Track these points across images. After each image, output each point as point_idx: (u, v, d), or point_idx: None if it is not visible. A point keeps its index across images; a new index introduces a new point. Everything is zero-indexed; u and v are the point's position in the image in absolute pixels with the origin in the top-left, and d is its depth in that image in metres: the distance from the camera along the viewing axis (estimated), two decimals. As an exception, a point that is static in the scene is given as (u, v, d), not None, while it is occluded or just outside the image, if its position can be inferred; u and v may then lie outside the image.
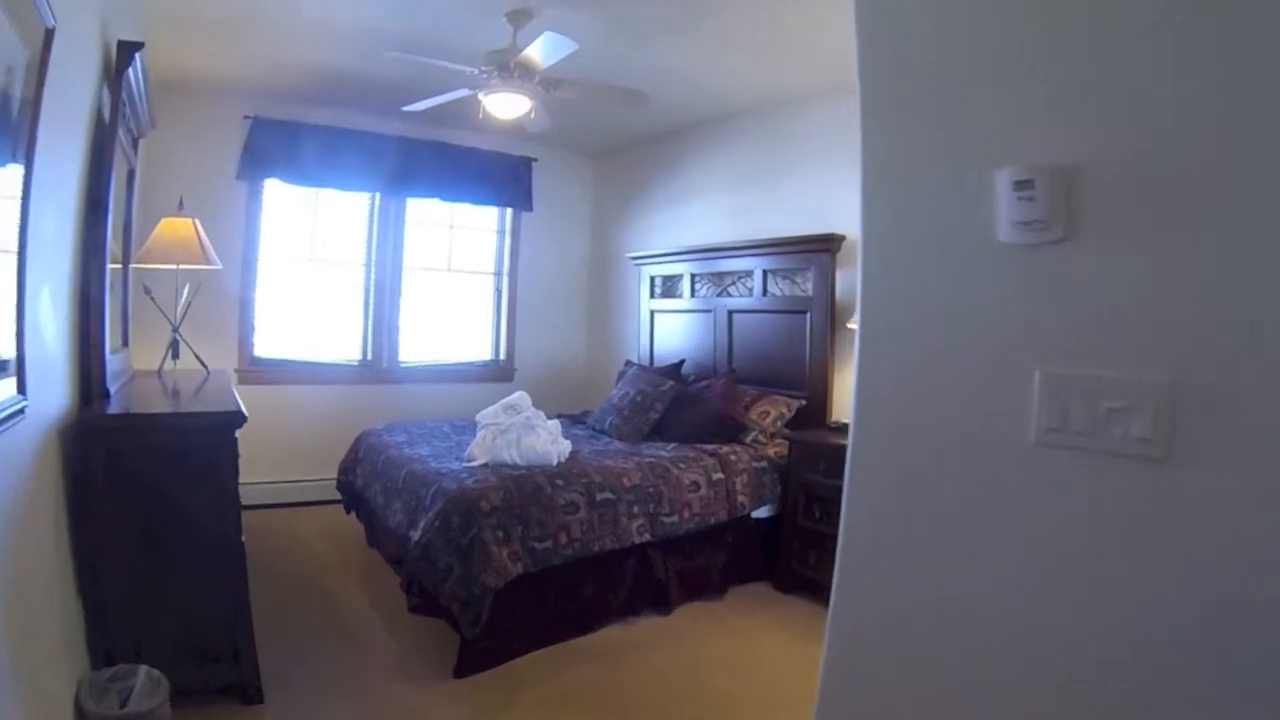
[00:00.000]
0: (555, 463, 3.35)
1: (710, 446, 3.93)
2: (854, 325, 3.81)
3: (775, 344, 4.56)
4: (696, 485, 3.62)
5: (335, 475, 4.84)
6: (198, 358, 3.68)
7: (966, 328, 1.30)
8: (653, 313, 5.44)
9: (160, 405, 2.74)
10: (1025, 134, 1.21)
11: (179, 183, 3.63)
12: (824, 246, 4.25)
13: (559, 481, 3.17)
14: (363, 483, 3.91)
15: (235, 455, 2.31)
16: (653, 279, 5.45)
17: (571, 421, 4.77)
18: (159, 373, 3.49)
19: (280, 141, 4.73)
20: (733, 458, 3.85)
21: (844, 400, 4.27)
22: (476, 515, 2.84)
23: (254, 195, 4.78)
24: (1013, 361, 1.16)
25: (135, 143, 3.44)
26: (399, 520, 3.26)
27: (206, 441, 2.25)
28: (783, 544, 3.83)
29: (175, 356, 3.66)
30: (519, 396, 3.76)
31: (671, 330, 5.31)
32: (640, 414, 4.23)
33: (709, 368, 4.90)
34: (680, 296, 5.28)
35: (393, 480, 3.47)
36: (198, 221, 3.63)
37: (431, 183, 5.30)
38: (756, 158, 4.88)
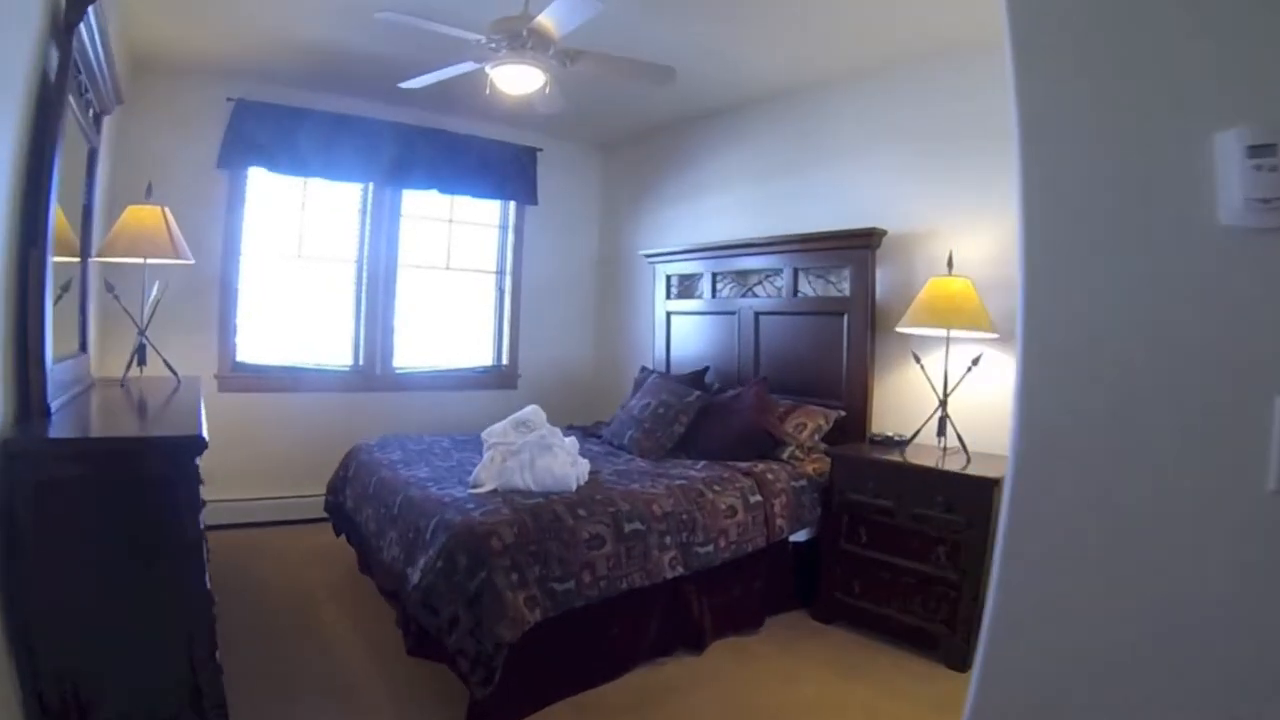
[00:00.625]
0: (575, 487, 2.94)
1: (744, 464, 3.54)
2: (905, 329, 3.43)
3: (808, 349, 4.16)
4: (733, 510, 3.22)
5: (322, 492, 4.46)
6: (167, 364, 3.26)
7: (1174, 339, 1.01)
8: (669, 314, 5.03)
9: (113, 424, 2.31)
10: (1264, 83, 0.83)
11: (154, 171, 3.23)
12: (863, 242, 3.87)
13: (581, 511, 2.77)
14: (353, 505, 3.50)
15: (194, 488, 1.88)
16: (669, 278, 5.05)
17: (584, 435, 4.36)
18: (122, 381, 3.06)
19: (265, 127, 4.31)
20: (770, 476, 3.46)
21: (885, 411, 3.91)
22: (487, 555, 2.43)
23: (236, 185, 4.36)
24: (1244, 384, 0.92)
25: (98, 120, 3.02)
26: (394, 554, 2.85)
27: (159, 471, 1.82)
28: (823, 570, 3.46)
29: (142, 363, 3.24)
30: (531, 411, 3.35)
31: (689, 334, 4.91)
32: (664, 427, 3.82)
33: (731, 375, 4.51)
34: (699, 297, 4.88)
35: (386, 506, 3.06)
36: (167, 210, 3.21)
37: (429, 173, 4.89)
38: (783, 147, 4.49)
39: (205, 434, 1.90)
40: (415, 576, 2.53)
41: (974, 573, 2.88)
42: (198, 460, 1.87)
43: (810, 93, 4.31)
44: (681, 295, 5.02)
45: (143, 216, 3.15)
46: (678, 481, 3.23)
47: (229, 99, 4.24)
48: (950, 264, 3.42)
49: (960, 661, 2.91)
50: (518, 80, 3.09)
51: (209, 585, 1.94)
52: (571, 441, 3.26)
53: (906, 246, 3.84)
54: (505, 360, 5.50)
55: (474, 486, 2.91)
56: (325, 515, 4.33)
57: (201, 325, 4.30)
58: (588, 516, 2.75)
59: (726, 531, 3.16)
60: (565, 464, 2.97)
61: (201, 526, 1.90)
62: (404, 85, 3.42)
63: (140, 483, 1.79)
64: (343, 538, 3.82)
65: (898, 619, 3.14)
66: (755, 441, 3.66)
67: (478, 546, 2.44)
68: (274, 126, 4.33)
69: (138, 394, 2.93)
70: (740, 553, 3.22)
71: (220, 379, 4.34)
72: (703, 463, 3.59)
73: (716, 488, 3.25)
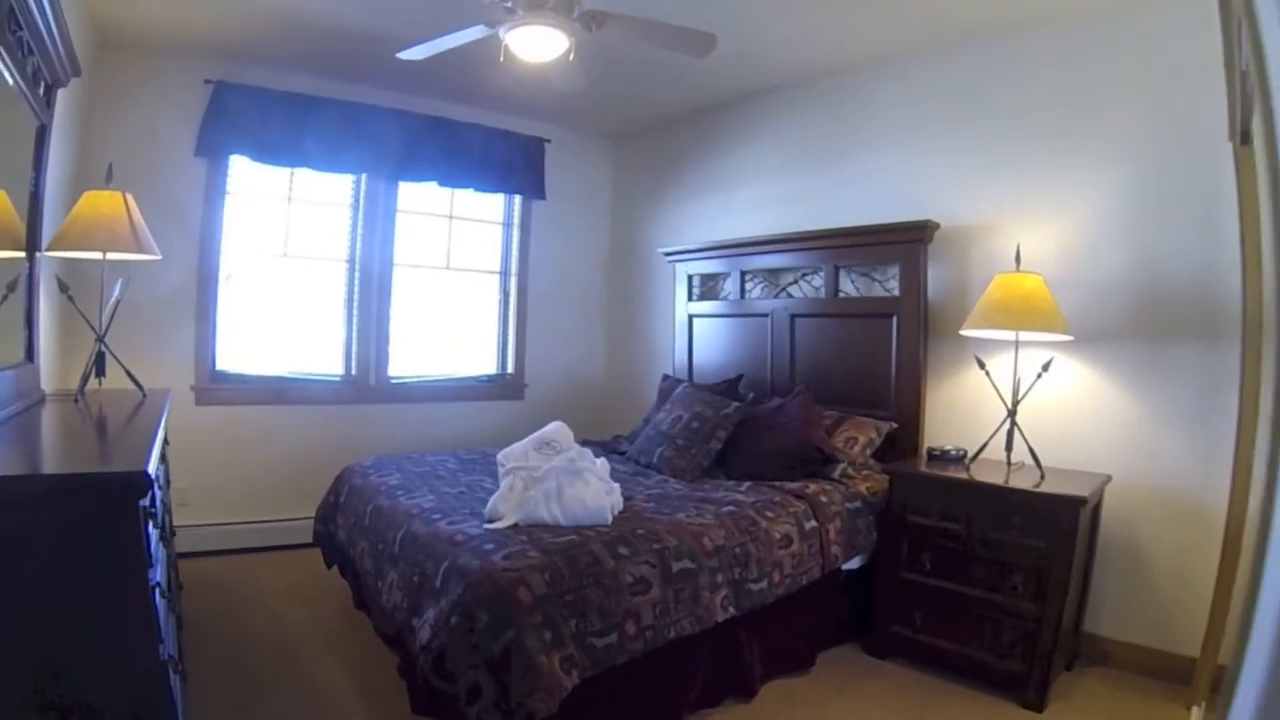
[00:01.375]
0: (611, 519, 2.51)
1: (794, 485, 3.12)
2: (970, 331, 3.04)
3: (851, 354, 3.76)
4: (787, 539, 2.81)
5: (310, 515, 4.01)
6: (129, 375, 2.82)
7: None
8: (691, 317, 4.61)
9: (41, 452, 1.85)
10: None
11: (125, 160, 2.79)
12: (914, 236, 3.48)
13: (623, 550, 2.33)
14: (346, 537, 3.05)
15: (138, 538, 1.44)
16: (690, 278, 4.62)
17: (604, 451, 3.93)
18: (77, 396, 2.61)
19: (248, 111, 3.87)
20: (823, 499, 3.04)
21: (938, 422, 3.54)
22: (514, 611, 1.99)
23: (216, 175, 3.91)
24: None
25: (48, 92, 2.58)
26: (396, 599, 2.41)
27: (93, 518, 1.38)
28: (879, 601, 3.07)
29: (101, 374, 2.80)
30: (556, 429, 2.92)
31: (714, 338, 4.49)
32: (699, 444, 3.40)
33: (762, 383, 4.09)
34: (726, 298, 4.47)
35: (385, 541, 2.62)
36: (129, 196, 2.78)
37: (428, 164, 4.45)
38: (819, 135, 4.10)
39: (153, 467, 1.45)
40: (425, 634, 2.09)
41: (1056, 603, 2.58)
42: (144, 502, 1.43)
43: (849, 76, 3.93)
44: (705, 296, 4.61)
45: (100, 204, 2.71)
46: (725, 508, 2.80)
47: (208, 81, 3.80)
48: (1018, 259, 3.04)
49: (1038, 702, 2.59)
50: (537, 45, 2.67)
51: (167, 654, 1.49)
52: (602, 464, 2.83)
53: (958, 241, 3.49)
54: (510, 368, 5.05)
55: (490, 520, 2.47)
56: (309, 542, 3.93)
57: (177, 330, 3.84)
58: (630, 556, 2.32)
59: (781, 564, 2.75)
60: (599, 492, 2.54)
61: (154, 582, 1.45)
62: (403, 55, 2.99)
63: (71, 532, 1.35)
64: (335, 569, 3.38)
65: (964, 654, 2.79)
66: (805, 459, 3.25)
67: (502, 600, 2.00)
68: (257, 111, 3.89)
69: (95, 411, 2.49)
70: (795, 587, 2.81)
71: (197, 391, 3.88)
72: (747, 484, 3.17)
73: (769, 514, 2.83)
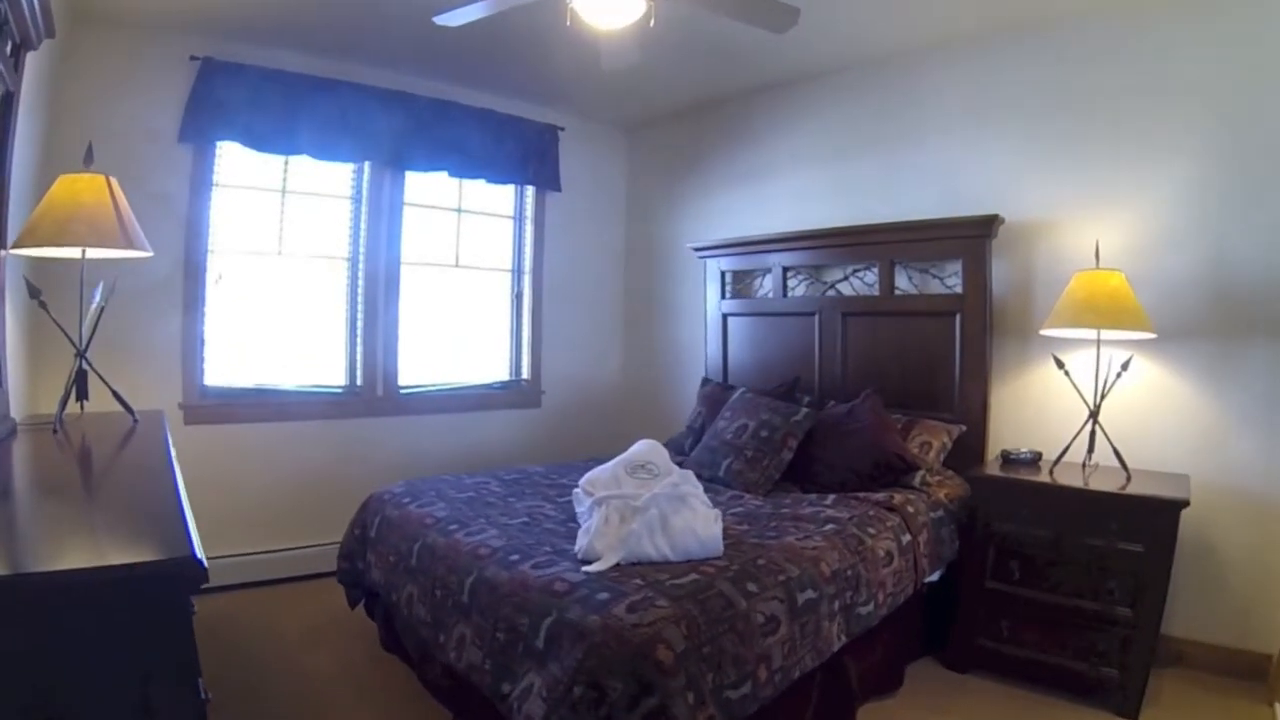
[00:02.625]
0: (722, 549, 2.19)
1: (879, 495, 2.88)
2: (1051, 331, 2.90)
3: (910, 354, 3.53)
4: (889, 557, 2.57)
5: (319, 542, 3.71)
6: (118, 397, 2.38)
7: None
8: (725, 316, 4.31)
9: (34, 521, 1.31)
10: None
11: (98, 146, 2.32)
12: (979, 231, 3.28)
13: (750, 586, 2.01)
14: (383, 578, 2.64)
15: (187, 642, 1.03)
16: (723, 274, 4.33)
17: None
18: (56, 424, 2.16)
19: (239, 92, 3.41)
20: (910, 509, 2.82)
21: (1002, 424, 3.35)
22: (655, 675, 1.66)
23: (203, 164, 3.44)
24: None
25: (16, 53, 2.15)
26: (473, 659, 2.02)
27: (125, 624, 0.98)
28: (962, 612, 2.87)
29: (83, 396, 2.35)
30: (648, 449, 2.57)
31: (751, 337, 4.19)
32: (770, 454, 3.10)
33: (809, 384, 3.83)
34: (763, 295, 4.19)
35: (445, 587, 2.23)
36: (114, 181, 2.32)
37: (437, 152, 4.04)
38: (867, 123, 3.86)
39: (200, 549, 1.06)
40: (536, 710, 1.72)
41: (1155, 608, 2.50)
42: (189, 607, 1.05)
43: (900, 63, 3.69)
44: (737, 294, 4.32)
45: (79, 190, 2.24)
46: (827, 527, 2.52)
47: (194, 57, 3.33)
48: (1098, 256, 2.91)
49: (1134, 709, 2.49)
50: (611, 9, 2.34)
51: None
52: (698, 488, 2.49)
53: (1020, 236, 3.33)
54: (526, 373, 4.67)
55: (583, 556, 2.12)
56: (324, 569, 3.55)
57: (160, 340, 3.37)
58: (759, 592, 2.01)
59: (884, 584, 2.51)
60: (709, 519, 2.21)
61: (203, 696, 1.06)
62: (440, 20, 2.60)
63: (80, 651, 0.94)
64: (360, 607, 2.99)
65: (1055, 664, 2.65)
66: (888, 467, 2.99)
67: (639, 664, 1.66)
68: (249, 92, 3.43)
69: (80, 443, 2.06)
70: (894, 606, 2.58)
71: (186, 409, 3.42)
72: (831, 496, 2.90)
73: (871, 530, 2.58)
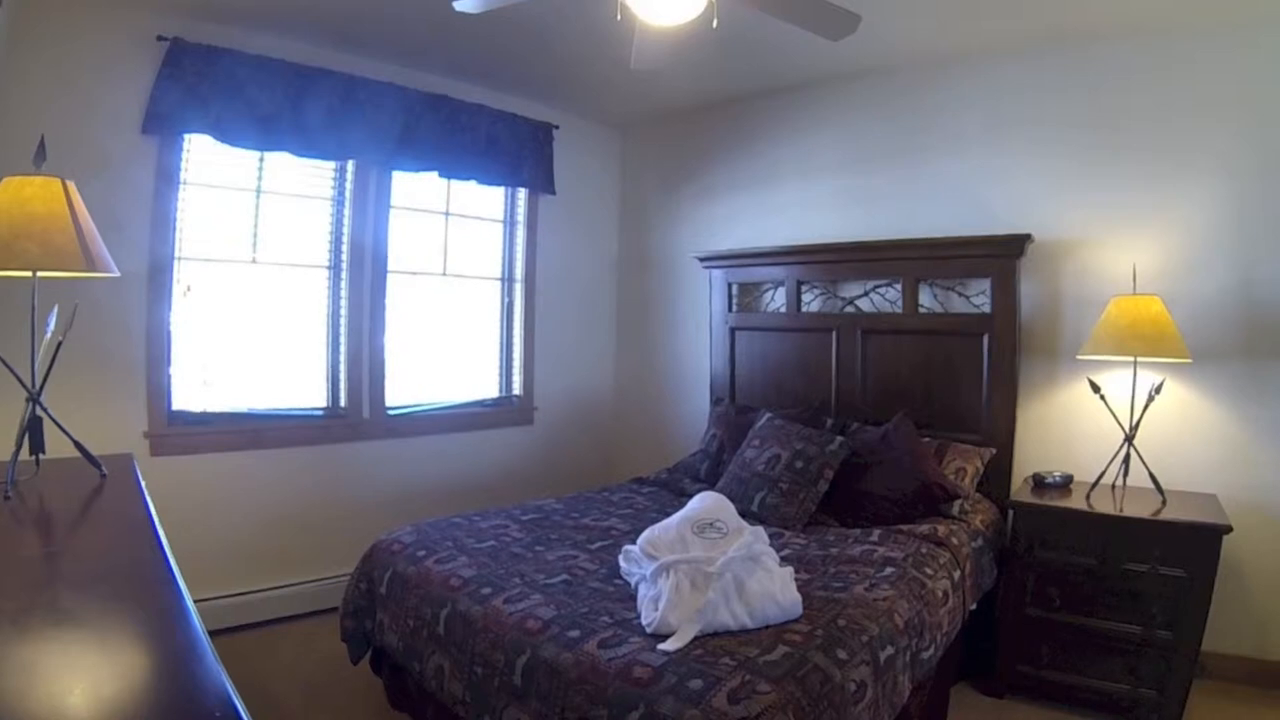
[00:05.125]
0: (801, 611, 2.00)
1: (923, 528, 2.76)
2: (1088, 356, 2.89)
3: (934, 374, 3.43)
4: (945, 597, 2.43)
5: (307, 579, 3.47)
6: (81, 449, 1.99)
7: None
8: (733, 330, 4.11)
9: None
10: None
11: (49, 137, 1.95)
12: (1010, 250, 3.20)
13: (841, 654, 1.82)
14: (400, 644, 2.33)
15: None
16: (730, 286, 4.13)
17: (665, 492, 3.41)
18: (8, 488, 1.76)
19: (212, 78, 3.04)
20: (955, 542, 2.71)
21: (1031, 446, 3.30)
22: (772, 774, 1.46)
23: (169, 159, 3.06)
24: None
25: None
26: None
27: None
28: (1002, 639, 2.82)
29: (38, 449, 1.96)
30: (715, 503, 2.32)
31: (759, 353, 4.00)
32: (806, 487, 2.92)
33: (825, 403, 3.68)
34: (772, 309, 4.02)
35: (488, 665, 1.95)
36: (72, 186, 1.93)
37: (427, 150, 3.72)
38: (888, 133, 3.72)
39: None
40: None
41: (1196, 631, 2.51)
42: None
43: (922, 68, 3.57)
44: (744, 307, 4.13)
45: (29, 197, 1.83)
46: (886, 570, 2.36)
47: (161, 38, 2.95)
48: (1135, 280, 2.92)
49: None
50: (673, 3, 2.10)
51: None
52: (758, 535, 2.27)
53: (1048, 255, 3.28)
54: (518, 389, 4.38)
55: (657, 631, 1.87)
56: (312, 607, 3.36)
57: (120, 362, 2.99)
58: (849, 659, 1.82)
59: (941, 624, 2.37)
60: (787, 581, 2.00)
61: None
62: (460, 6, 2.31)
63: None
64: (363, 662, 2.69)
65: (1096, 688, 2.66)
66: (929, 498, 2.86)
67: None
68: (223, 79, 3.06)
69: (37, 510, 1.71)
70: (948, 644, 2.45)
71: (152, 438, 3.04)
72: (877, 531, 2.74)
73: (928, 571, 2.44)
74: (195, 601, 1.13)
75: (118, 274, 2.01)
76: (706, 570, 1.96)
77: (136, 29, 2.92)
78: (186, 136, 3.10)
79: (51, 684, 0.87)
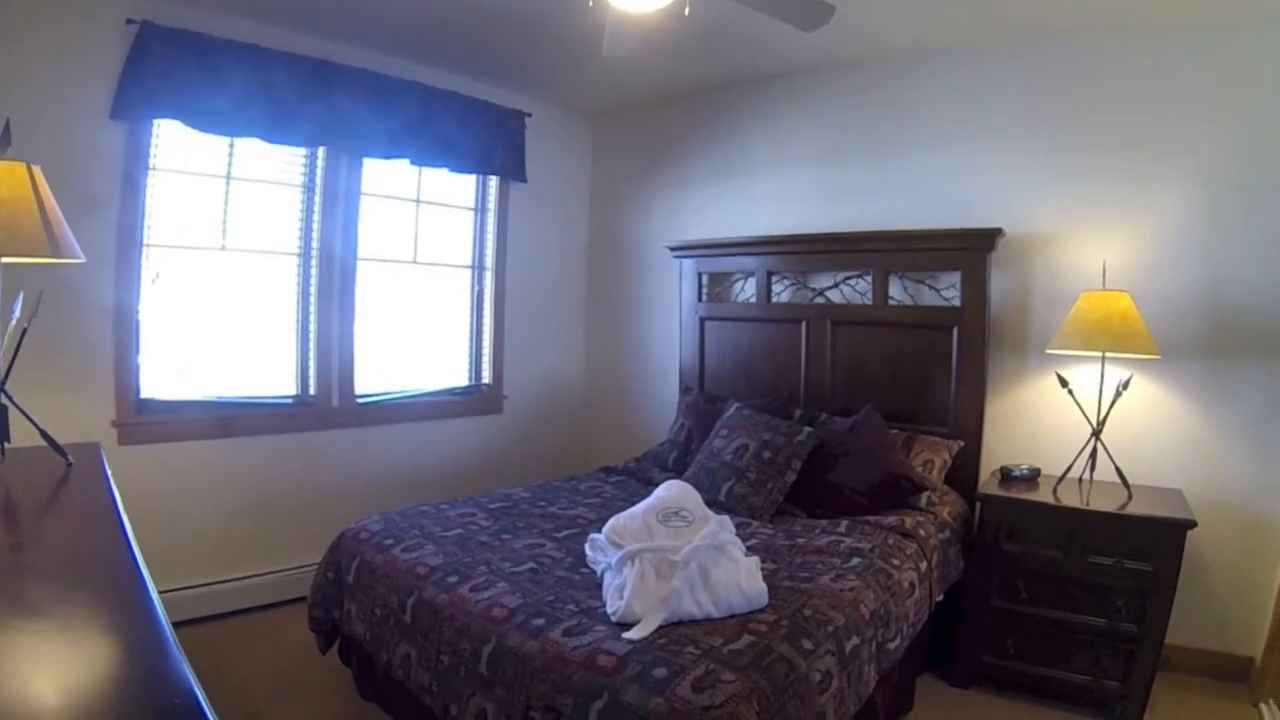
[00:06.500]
0: (766, 601, 2.03)
1: (890, 519, 2.80)
2: (1057, 350, 2.93)
3: (903, 366, 3.47)
4: (912, 587, 2.49)
5: (276, 569, 3.46)
6: (45, 435, 1.98)
7: None
8: (703, 320, 4.14)
9: None
10: None
11: (18, 122, 1.92)
12: (980, 243, 3.24)
13: (806, 643, 1.86)
14: (368, 633, 2.34)
15: None
16: (701, 276, 4.15)
17: (632, 481, 3.43)
18: None
19: (182, 62, 2.99)
20: (923, 534, 2.76)
21: (999, 439, 3.34)
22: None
23: (138, 144, 3.01)
24: None
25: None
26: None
27: None
28: (968, 631, 2.87)
29: (3, 438, 1.94)
30: (681, 493, 2.35)
31: (729, 343, 4.04)
32: (774, 477, 2.96)
33: (793, 394, 3.72)
34: (742, 299, 4.04)
35: (455, 653, 1.98)
36: (37, 170, 1.92)
37: (399, 138, 3.69)
38: (861, 125, 3.74)
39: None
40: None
41: (1160, 623, 2.55)
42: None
43: (899, 62, 3.58)
44: (715, 297, 4.15)
45: None
46: (853, 561, 2.41)
47: (130, 21, 2.89)
48: (1105, 276, 2.96)
49: (1137, 717, 2.58)
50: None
51: None
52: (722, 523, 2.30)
53: (1018, 249, 3.31)
54: (487, 378, 4.38)
55: (622, 620, 1.90)
56: (283, 596, 3.36)
57: (88, 348, 2.94)
58: (814, 649, 1.86)
59: (908, 615, 2.42)
60: (753, 571, 2.04)
61: None
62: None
63: None
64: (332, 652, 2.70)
65: (1061, 679, 2.71)
66: (896, 489, 2.91)
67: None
68: (194, 63, 3.01)
69: (2, 499, 1.70)
70: (914, 635, 2.50)
71: (120, 427, 3.00)
72: (844, 522, 2.79)
73: (895, 561, 2.49)
74: (165, 592, 1.14)
75: (83, 260, 2.00)
76: (671, 559, 1.99)
77: (106, 12, 2.86)
78: (156, 122, 3.05)
79: (12, 674, 0.87)
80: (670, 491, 2.37)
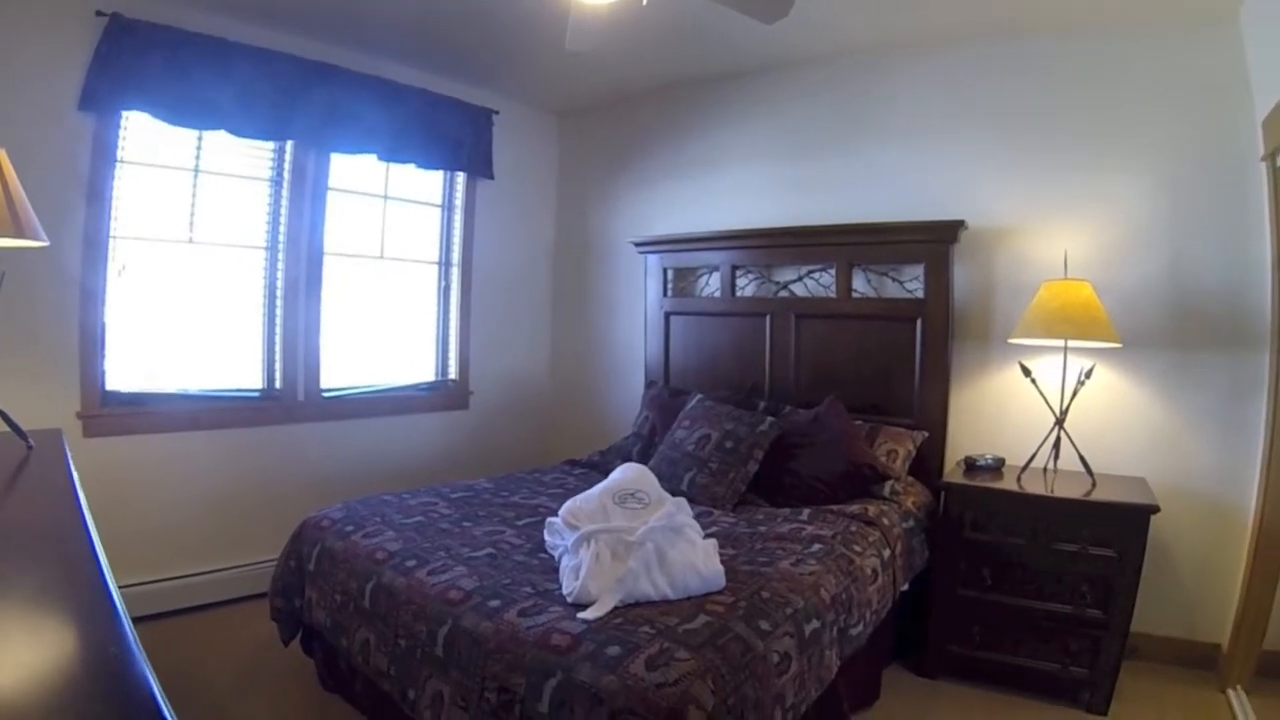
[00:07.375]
0: (724, 583, 2.06)
1: (853, 508, 2.85)
2: (1020, 340, 2.97)
3: (867, 358, 3.52)
4: (875, 574, 2.54)
5: (240, 564, 3.45)
6: (4, 417, 2.01)
7: None
8: (668, 315, 4.17)
9: None
10: None
11: None
12: (943, 236, 3.31)
13: (763, 625, 1.90)
14: (328, 619, 2.36)
15: None
16: (666, 271, 4.18)
17: (595, 474, 3.45)
18: None
19: (151, 54, 2.98)
20: (886, 522, 2.81)
21: (962, 430, 3.39)
22: (688, 739, 1.52)
23: (106, 136, 2.99)
24: None
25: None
26: (457, 722, 1.83)
27: None
28: (934, 620, 2.89)
29: None
30: (638, 475, 2.38)
31: (694, 338, 4.08)
32: (736, 467, 3.00)
33: (759, 387, 3.77)
34: (707, 294, 4.09)
35: (411, 637, 2.00)
36: (3, 155, 1.96)
37: (368, 132, 3.70)
38: (824, 121, 3.80)
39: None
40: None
41: (1125, 610, 2.58)
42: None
43: (863, 58, 3.65)
44: (680, 292, 4.19)
45: None
46: (814, 547, 2.45)
47: (100, 13, 2.88)
48: (1066, 266, 3.02)
49: (1104, 705, 2.61)
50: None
51: None
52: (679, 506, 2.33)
53: (981, 242, 3.37)
54: (453, 373, 4.39)
55: (578, 603, 1.92)
56: (248, 591, 3.34)
57: (53, 341, 2.92)
58: (772, 630, 1.90)
59: (871, 602, 2.47)
60: (709, 552, 2.08)
61: None
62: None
63: None
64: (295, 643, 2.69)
65: (1027, 667, 2.74)
66: (858, 478, 2.96)
67: (670, 730, 1.52)
68: (163, 55, 3.00)
69: None
70: (878, 622, 2.55)
71: (85, 419, 2.98)
72: (806, 511, 2.83)
73: (857, 548, 2.54)
74: (129, 586, 1.13)
75: (47, 242, 2.03)
76: (627, 540, 2.02)
77: (76, 3, 2.85)
78: (124, 114, 3.04)
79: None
80: (627, 474, 2.40)
